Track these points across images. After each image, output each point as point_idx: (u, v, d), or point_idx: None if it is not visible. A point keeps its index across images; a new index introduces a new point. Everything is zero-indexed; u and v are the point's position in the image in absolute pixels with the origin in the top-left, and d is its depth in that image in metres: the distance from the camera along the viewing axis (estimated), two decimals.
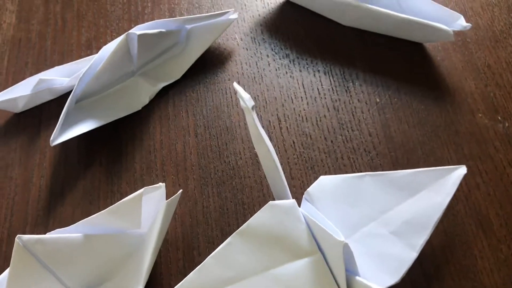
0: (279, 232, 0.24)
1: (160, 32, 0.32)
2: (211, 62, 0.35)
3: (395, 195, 0.26)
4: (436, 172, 0.26)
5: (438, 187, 0.25)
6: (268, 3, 0.38)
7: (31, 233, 0.28)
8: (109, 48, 0.31)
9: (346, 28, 0.36)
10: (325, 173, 0.30)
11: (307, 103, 0.33)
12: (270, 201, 0.25)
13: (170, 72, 0.34)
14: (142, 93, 0.33)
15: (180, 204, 0.29)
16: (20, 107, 0.32)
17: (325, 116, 0.33)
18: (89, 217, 0.25)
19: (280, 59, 0.35)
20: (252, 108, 0.24)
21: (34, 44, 0.36)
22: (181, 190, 0.26)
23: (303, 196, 0.26)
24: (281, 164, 0.30)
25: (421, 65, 0.35)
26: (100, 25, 0.37)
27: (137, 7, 0.38)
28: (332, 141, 0.32)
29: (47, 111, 0.33)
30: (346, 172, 0.30)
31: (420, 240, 0.24)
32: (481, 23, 0.36)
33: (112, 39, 0.35)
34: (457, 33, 0.35)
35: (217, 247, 0.24)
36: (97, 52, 0.32)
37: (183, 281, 0.23)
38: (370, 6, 0.33)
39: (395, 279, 0.24)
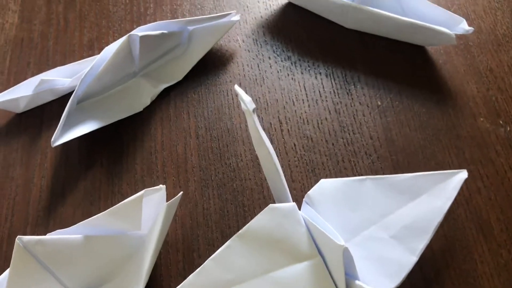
0: (279, 235, 0.24)
1: (162, 33, 0.32)
2: (213, 63, 0.35)
3: (395, 199, 0.26)
4: (437, 176, 0.26)
5: (438, 191, 0.25)
6: (270, 5, 0.38)
7: (32, 233, 0.28)
8: (111, 49, 0.31)
9: (348, 31, 0.36)
10: (326, 176, 0.30)
11: (309, 106, 0.33)
12: (270, 204, 0.25)
13: (171, 73, 0.34)
14: (144, 94, 0.33)
15: (180, 206, 0.29)
16: (21, 107, 0.32)
17: (326, 118, 0.33)
18: (89, 218, 0.25)
19: (282, 61, 0.35)
20: (253, 111, 0.24)
21: (36, 44, 0.36)
22: (181, 192, 0.26)
23: (304, 199, 0.26)
24: (282, 167, 0.30)
25: (423, 68, 0.35)
26: (102, 26, 0.37)
27: (140, 8, 0.38)
28: (333, 144, 0.32)
29: (49, 111, 0.33)
30: (347, 175, 0.30)
31: (420, 245, 0.24)
32: (483, 27, 0.36)
33: (114, 40, 0.35)
34: (459, 37, 0.35)
35: (217, 249, 0.24)
36: (99, 53, 0.32)
37: (182, 283, 0.23)
38: (372, 8, 0.33)
39: (395, 283, 0.24)
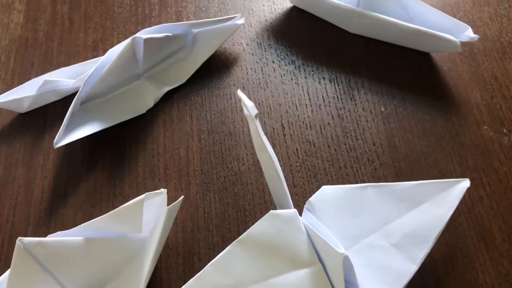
0: (279, 241, 0.24)
1: (167, 36, 0.32)
2: (217, 66, 0.35)
3: (397, 207, 0.26)
4: (439, 184, 0.26)
5: (440, 200, 0.25)
6: (275, 9, 0.38)
7: (33, 234, 0.29)
8: (115, 51, 0.31)
9: (352, 36, 0.36)
10: (328, 182, 0.30)
11: (312, 111, 0.33)
12: (271, 210, 0.25)
13: (175, 76, 0.34)
14: (147, 96, 0.33)
15: (181, 209, 0.29)
16: (25, 108, 0.32)
17: (329, 124, 0.32)
18: (90, 221, 0.25)
19: (285, 65, 0.35)
20: (256, 116, 0.24)
21: (41, 44, 0.36)
22: (182, 196, 0.26)
23: (305, 205, 0.26)
24: (284, 172, 0.30)
25: (427, 75, 0.34)
26: (107, 27, 0.37)
27: (144, 10, 0.38)
28: (335, 150, 0.31)
29: (52, 111, 0.33)
30: (349, 181, 0.30)
31: (421, 253, 0.24)
32: (489, 34, 0.36)
33: (119, 41, 0.35)
34: (465, 44, 0.35)
35: (217, 254, 0.24)
36: (103, 54, 0.32)
37: (182, 287, 0.23)
38: (377, 14, 0.33)
39: None
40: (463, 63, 0.35)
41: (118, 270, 0.26)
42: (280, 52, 0.35)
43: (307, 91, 0.34)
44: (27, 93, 0.31)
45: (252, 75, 0.34)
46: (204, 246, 0.28)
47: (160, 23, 0.37)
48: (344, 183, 0.30)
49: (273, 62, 0.35)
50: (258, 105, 0.33)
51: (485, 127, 0.32)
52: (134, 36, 0.31)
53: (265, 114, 0.33)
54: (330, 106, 0.33)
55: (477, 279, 0.27)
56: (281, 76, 0.34)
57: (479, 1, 0.38)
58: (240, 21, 0.34)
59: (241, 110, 0.33)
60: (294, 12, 0.37)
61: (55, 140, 0.28)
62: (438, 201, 0.25)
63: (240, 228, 0.29)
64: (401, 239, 0.25)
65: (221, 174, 0.31)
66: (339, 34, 0.36)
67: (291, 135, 0.32)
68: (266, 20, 0.37)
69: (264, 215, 0.25)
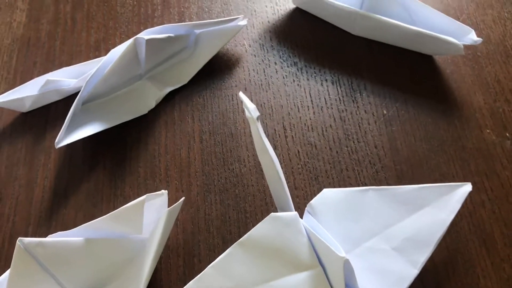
0: (280, 244, 0.24)
1: (169, 36, 0.32)
2: (219, 68, 0.35)
3: (398, 211, 0.25)
4: (441, 188, 0.26)
5: (442, 204, 0.25)
6: (277, 10, 0.37)
7: (34, 234, 0.29)
8: (117, 51, 0.31)
9: (355, 38, 0.36)
10: (329, 184, 0.30)
11: (314, 113, 0.33)
12: (272, 213, 0.25)
13: (177, 76, 0.34)
14: (149, 97, 0.33)
15: (182, 211, 0.29)
16: (27, 107, 0.32)
17: (331, 126, 0.32)
18: (91, 221, 0.25)
19: (288, 66, 0.35)
20: (257, 118, 0.24)
21: (43, 44, 0.36)
22: (183, 198, 0.26)
23: (306, 208, 0.26)
24: (285, 174, 0.30)
25: (429, 78, 0.34)
26: (109, 27, 0.37)
27: (147, 10, 0.38)
28: (337, 152, 0.31)
29: (54, 111, 0.33)
30: (350, 184, 0.30)
31: (421, 258, 0.24)
32: (492, 37, 0.36)
33: (121, 41, 0.35)
34: (468, 47, 0.35)
35: (218, 255, 0.24)
36: (105, 54, 0.32)
37: None
38: (380, 16, 0.33)
39: None
40: (466, 66, 0.35)
41: (118, 271, 0.26)
42: (283, 54, 0.35)
43: (309, 93, 0.34)
44: (29, 92, 0.31)
45: (254, 76, 0.34)
46: (204, 247, 0.28)
47: (162, 23, 0.37)
48: (345, 186, 0.30)
49: (275, 63, 0.35)
50: (260, 106, 0.33)
51: (488, 131, 0.32)
52: (136, 36, 0.31)
53: (267, 116, 0.33)
54: (332, 108, 0.33)
55: (478, 283, 0.27)
56: (283, 77, 0.34)
57: (483, 4, 0.38)
58: (243, 22, 0.34)
59: (243, 111, 0.33)
60: (297, 14, 0.37)
61: (56, 140, 0.28)
62: (439, 205, 0.25)
63: (240, 230, 0.29)
64: (402, 243, 0.25)
65: (222, 176, 0.31)
66: (342, 36, 0.36)
67: (293, 137, 0.32)
68: (268, 21, 0.37)
69: (265, 217, 0.24)
